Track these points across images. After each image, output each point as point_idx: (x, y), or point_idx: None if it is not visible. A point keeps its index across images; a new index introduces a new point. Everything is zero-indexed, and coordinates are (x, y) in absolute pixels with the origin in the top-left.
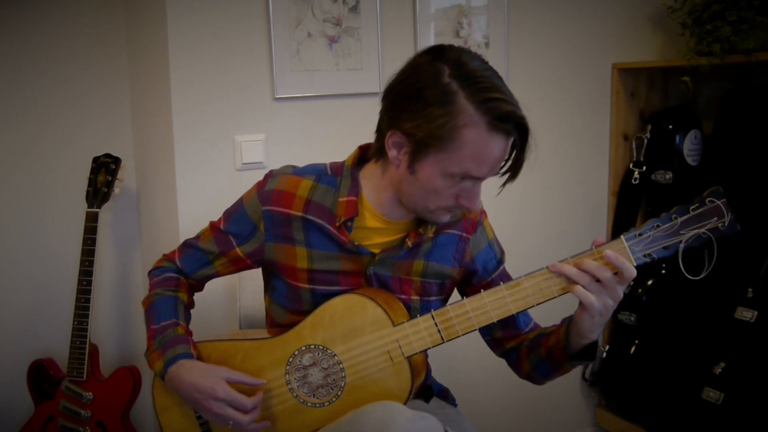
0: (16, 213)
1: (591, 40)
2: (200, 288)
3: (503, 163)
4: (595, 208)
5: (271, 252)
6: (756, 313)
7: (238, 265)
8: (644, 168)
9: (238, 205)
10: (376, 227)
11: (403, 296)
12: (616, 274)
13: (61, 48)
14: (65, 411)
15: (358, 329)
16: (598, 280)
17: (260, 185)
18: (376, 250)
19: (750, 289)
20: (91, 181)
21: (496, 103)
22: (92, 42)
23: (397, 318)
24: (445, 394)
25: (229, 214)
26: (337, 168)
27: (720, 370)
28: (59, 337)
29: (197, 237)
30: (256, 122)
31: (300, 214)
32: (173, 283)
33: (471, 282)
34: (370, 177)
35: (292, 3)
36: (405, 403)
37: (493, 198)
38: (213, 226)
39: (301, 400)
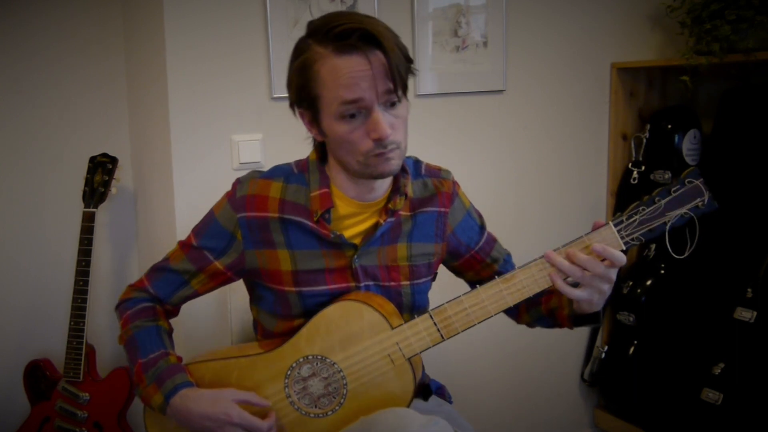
0: (13, 213)
1: (590, 39)
2: (176, 313)
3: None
4: (594, 208)
5: (253, 260)
6: (755, 313)
7: (218, 280)
8: (643, 168)
9: (209, 219)
10: (351, 213)
11: (392, 283)
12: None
13: (58, 48)
14: (62, 412)
15: (356, 335)
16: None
17: (230, 195)
18: (357, 241)
19: (749, 290)
20: (88, 181)
21: (333, 29)
22: (90, 42)
23: (394, 321)
24: (441, 392)
25: (199, 229)
26: (302, 165)
27: (719, 371)
28: (56, 338)
29: (166, 259)
30: (254, 122)
31: (276, 215)
32: (150, 312)
33: (459, 254)
34: (334, 165)
35: (290, 2)
36: (409, 405)
37: (492, 197)
38: (183, 244)
39: (303, 412)
